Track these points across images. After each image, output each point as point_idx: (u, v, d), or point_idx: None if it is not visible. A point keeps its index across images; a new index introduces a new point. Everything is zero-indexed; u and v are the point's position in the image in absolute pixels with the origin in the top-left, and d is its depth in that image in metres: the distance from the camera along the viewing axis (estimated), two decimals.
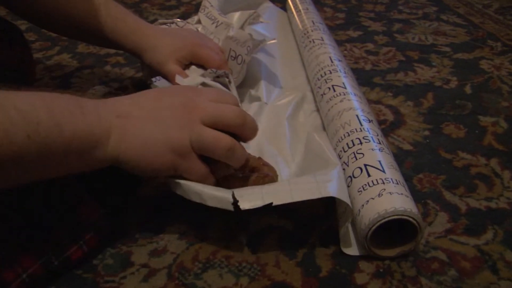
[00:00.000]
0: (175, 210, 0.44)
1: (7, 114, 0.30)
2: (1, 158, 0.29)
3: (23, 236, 0.35)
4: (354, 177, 0.40)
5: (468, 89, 0.66)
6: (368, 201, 0.37)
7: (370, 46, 0.81)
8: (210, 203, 0.37)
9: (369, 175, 0.39)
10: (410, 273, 0.37)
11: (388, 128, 0.57)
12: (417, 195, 0.45)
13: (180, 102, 0.39)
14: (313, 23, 0.74)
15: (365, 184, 0.39)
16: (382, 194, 0.37)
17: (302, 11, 0.80)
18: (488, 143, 0.54)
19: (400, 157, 0.51)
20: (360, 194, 0.39)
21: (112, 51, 0.79)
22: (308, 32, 0.71)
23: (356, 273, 0.37)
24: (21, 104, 0.31)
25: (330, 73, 0.57)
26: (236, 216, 0.39)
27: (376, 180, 0.39)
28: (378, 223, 0.36)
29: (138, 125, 0.37)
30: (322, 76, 0.57)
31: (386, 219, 0.36)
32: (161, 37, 0.57)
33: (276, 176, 0.43)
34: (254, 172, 0.42)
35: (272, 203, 0.36)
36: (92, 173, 0.40)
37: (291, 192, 0.37)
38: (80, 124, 0.34)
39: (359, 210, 0.38)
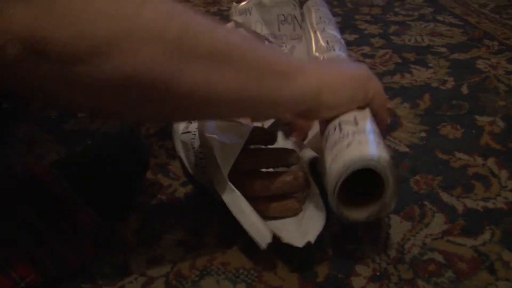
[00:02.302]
0: (172, 218, 0.45)
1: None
2: (229, 60, 0.32)
3: (19, 245, 0.35)
4: (328, 136, 0.38)
5: (464, 89, 0.66)
6: (336, 154, 0.35)
7: (367, 49, 0.82)
8: (245, 225, 0.37)
9: (341, 131, 0.37)
10: (407, 276, 0.37)
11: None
12: (414, 197, 0.45)
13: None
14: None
15: (337, 140, 0.37)
16: (350, 145, 0.35)
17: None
18: (485, 142, 0.54)
19: (396, 159, 0.51)
20: (331, 151, 0.37)
21: None
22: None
23: (353, 277, 0.37)
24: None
25: None
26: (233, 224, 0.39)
27: (348, 133, 0.36)
28: (345, 175, 0.34)
29: (327, 65, 0.44)
30: None
31: (351, 169, 0.33)
32: None
33: (304, 173, 0.42)
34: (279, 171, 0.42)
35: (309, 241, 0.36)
36: (88, 182, 0.40)
37: None
38: (283, 59, 0.38)
39: (328, 167, 0.36)
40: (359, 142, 0.35)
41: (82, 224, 0.37)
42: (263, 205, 0.40)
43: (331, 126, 0.39)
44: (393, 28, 0.91)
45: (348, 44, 0.83)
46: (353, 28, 0.92)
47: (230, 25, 0.64)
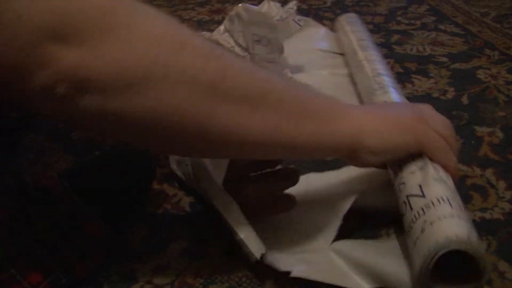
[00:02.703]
0: (177, 227, 0.46)
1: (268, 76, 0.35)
2: (268, 102, 0.33)
3: (31, 254, 0.37)
4: (402, 214, 0.37)
5: (465, 99, 0.67)
6: (415, 242, 0.33)
7: None
8: (241, 235, 0.38)
9: (411, 209, 0.35)
10: None
11: None
12: None
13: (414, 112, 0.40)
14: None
15: (410, 222, 0.35)
16: (424, 230, 0.33)
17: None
18: (484, 153, 0.55)
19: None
20: (408, 235, 0.35)
21: None
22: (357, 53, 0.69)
23: None
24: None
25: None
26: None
27: (418, 212, 0.34)
28: (431, 263, 0.31)
29: (370, 109, 0.43)
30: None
31: (436, 256, 0.31)
32: None
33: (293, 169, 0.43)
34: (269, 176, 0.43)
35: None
36: (97, 193, 0.41)
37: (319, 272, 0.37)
38: (333, 101, 0.38)
39: (410, 251, 0.34)
40: (433, 222, 0.32)
41: (91, 235, 0.39)
42: (258, 208, 0.41)
43: (400, 200, 0.37)
44: (395, 37, 0.92)
45: None
46: None
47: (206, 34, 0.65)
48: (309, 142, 0.35)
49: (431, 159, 0.38)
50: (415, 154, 0.38)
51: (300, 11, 1.09)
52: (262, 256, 0.37)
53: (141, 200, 0.47)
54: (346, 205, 0.41)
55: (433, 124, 0.39)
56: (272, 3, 0.75)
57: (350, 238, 0.42)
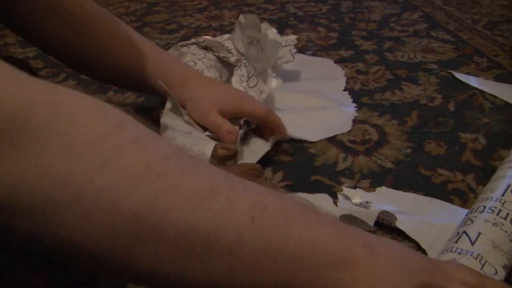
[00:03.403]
0: None
1: (234, 187, 0.27)
2: (219, 245, 0.25)
3: (34, 258, 0.39)
4: (449, 240, 0.40)
5: (451, 106, 0.70)
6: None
7: (361, 65, 0.85)
8: None
9: (456, 241, 0.38)
10: None
11: (372, 148, 0.60)
12: None
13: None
14: None
15: (447, 248, 0.38)
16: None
17: None
18: (466, 159, 0.57)
19: (381, 175, 0.55)
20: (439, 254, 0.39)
21: None
22: None
23: None
24: (250, 183, 0.28)
25: None
26: None
27: (459, 248, 0.37)
28: None
29: (387, 266, 0.29)
30: None
31: None
32: (206, 88, 0.60)
33: (270, 183, 0.45)
34: None
35: None
36: None
37: None
38: (317, 234, 0.28)
39: None
40: None
41: None
42: None
43: None
44: (387, 44, 0.94)
45: (343, 60, 0.87)
46: (349, 44, 0.95)
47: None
48: None
49: None
50: None
51: (295, 18, 1.12)
52: None
53: None
54: None
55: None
56: (271, 27, 0.78)
57: None
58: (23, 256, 0.38)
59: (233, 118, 0.59)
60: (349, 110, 0.70)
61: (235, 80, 0.68)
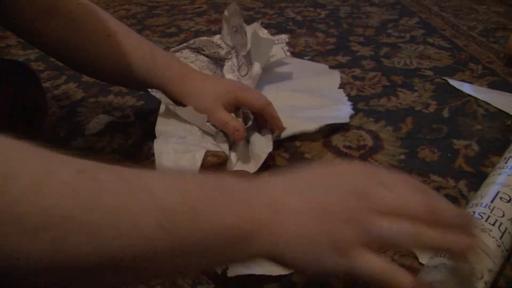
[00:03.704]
0: None
1: (138, 198, 0.25)
2: (125, 255, 0.24)
3: None
4: None
5: (445, 113, 0.71)
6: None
7: (357, 71, 0.86)
8: None
9: None
10: None
11: (366, 153, 0.61)
12: None
13: (348, 190, 0.31)
14: None
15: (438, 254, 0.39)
16: (437, 266, 0.37)
17: None
18: (459, 165, 0.59)
19: None
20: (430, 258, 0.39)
21: None
22: None
23: None
24: (154, 185, 0.27)
25: None
26: None
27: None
28: None
29: (297, 221, 0.30)
30: None
31: None
32: (205, 82, 0.61)
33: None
34: None
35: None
36: None
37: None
38: (224, 214, 0.28)
39: None
40: None
41: None
42: None
43: None
44: (384, 50, 0.95)
45: (341, 66, 0.89)
46: (346, 50, 0.96)
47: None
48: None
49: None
50: None
51: (294, 23, 1.13)
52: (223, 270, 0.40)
53: None
54: None
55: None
56: (261, 28, 0.80)
57: None
58: None
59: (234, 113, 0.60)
60: (346, 108, 0.71)
61: (226, 70, 0.70)
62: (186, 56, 0.74)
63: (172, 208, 0.26)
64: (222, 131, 0.58)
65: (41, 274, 0.24)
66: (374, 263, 0.29)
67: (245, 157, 0.58)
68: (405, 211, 0.30)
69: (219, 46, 0.74)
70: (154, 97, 0.61)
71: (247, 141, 0.60)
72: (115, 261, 0.25)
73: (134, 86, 0.71)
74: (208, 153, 0.45)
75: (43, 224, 0.23)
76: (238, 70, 0.70)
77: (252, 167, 0.55)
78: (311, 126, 0.64)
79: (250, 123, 0.59)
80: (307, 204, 0.30)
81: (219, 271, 0.40)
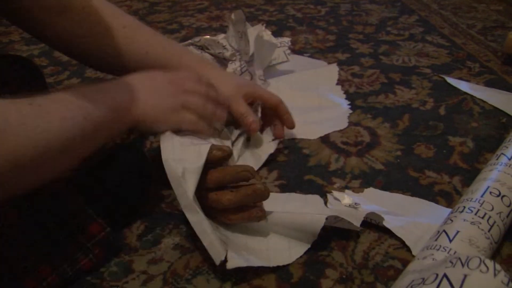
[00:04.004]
0: (170, 225, 0.51)
1: (65, 106, 0.41)
2: (66, 141, 0.39)
3: (42, 251, 0.42)
4: (430, 238, 0.43)
5: (442, 110, 0.72)
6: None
7: (356, 68, 0.87)
8: (205, 242, 0.43)
9: (436, 239, 0.41)
10: (368, 279, 0.43)
11: (364, 149, 0.63)
12: None
13: (168, 83, 0.52)
14: None
15: (428, 246, 0.41)
16: (425, 258, 0.39)
17: None
18: (454, 162, 0.60)
19: (371, 176, 0.57)
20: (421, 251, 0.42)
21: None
22: None
23: (322, 279, 0.43)
24: (70, 97, 0.42)
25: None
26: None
27: (438, 245, 0.40)
28: None
29: (147, 95, 0.50)
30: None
31: None
32: (224, 72, 0.66)
33: (262, 185, 0.48)
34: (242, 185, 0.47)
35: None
36: (99, 196, 0.46)
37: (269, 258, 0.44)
38: (108, 106, 0.45)
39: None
40: None
41: (94, 234, 0.44)
42: (232, 215, 0.46)
43: None
44: (383, 48, 0.96)
45: (340, 63, 0.90)
46: (346, 47, 0.97)
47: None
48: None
49: None
50: None
51: (295, 20, 1.15)
52: (224, 262, 0.42)
53: (139, 200, 0.52)
54: (316, 228, 0.45)
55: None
56: (266, 30, 0.81)
57: None
58: (30, 249, 0.41)
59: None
60: (344, 107, 0.73)
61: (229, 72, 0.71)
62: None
63: (86, 106, 0.42)
64: (230, 125, 0.60)
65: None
66: (189, 116, 0.51)
67: (246, 155, 0.60)
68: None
69: (224, 47, 0.75)
70: None
71: (247, 140, 0.62)
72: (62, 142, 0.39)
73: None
74: (213, 147, 0.47)
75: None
76: (240, 75, 0.72)
77: (252, 164, 0.57)
78: (312, 135, 0.66)
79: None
80: (153, 93, 0.51)
81: (217, 262, 0.42)
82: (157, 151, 0.47)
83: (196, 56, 0.66)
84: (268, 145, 0.61)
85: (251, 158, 0.60)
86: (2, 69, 0.62)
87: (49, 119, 0.38)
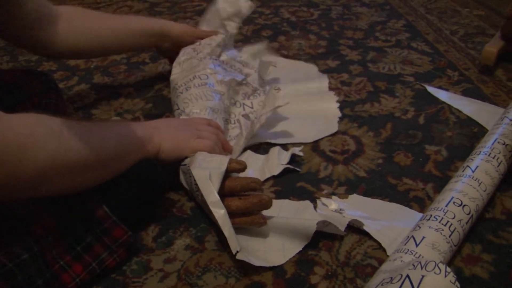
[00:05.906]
0: (182, 227, 0.59)
1: (104, 130, 0.53)
2: (102, 156, 0.49)
3: (74, 251, 0.50)
4: (401, 242, 0.50)
5: (421, 119, 0.80)
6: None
7: (345, 76, 0.94)
8: (226, 234, 0.50)
9: (405, 244, 0.48)
10: (349, 276, 0.51)
11: (349, 157, 0.71)
12: None
13: (183, 124, 0.65)
14: None
15: (398, 249, 0.48)
16: (395, 259, 0.47)
17: None
18: (428, 170, 0.68)
19: (355, 183, 0.65)
20: (392, 253, 0.49)
21: (124, 82, 0.94)
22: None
23: (311, 275, 0.51)
24: (107, 124, 0.56)
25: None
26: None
27: (406, 248, 0.47)
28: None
29: (166, 131, 0.61)
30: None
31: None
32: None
33: (267, 196, 0.55)
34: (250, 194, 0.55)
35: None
36: (119, 203, 0.54)
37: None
38: (134, 134, 0.57)
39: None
40: None
41: (118, 237, 0.52)
42: (238, 219, 0.54)
43: None
44: (371, 55, 1.03)
45: (330, 70, 0.96)
46: (336, 54, 1.04)
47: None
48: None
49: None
50: None
51: (289, 24, 1.21)
52: (237, 252, 0.50)
53: (152, 206, 0.60)
54: (308, 233, 0.54)
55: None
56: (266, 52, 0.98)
57: None
58: (66, 250, 0.49)
59: None
60: (334, 109, 0.82)
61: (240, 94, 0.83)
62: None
63: (119, 133, 0.55)
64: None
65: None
66: (204, 142, 0.62)
67: (256, 167, 0.69)
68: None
69: (243, 65, 0.88)
70: (161, 100, 0.69)
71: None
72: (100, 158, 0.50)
73: (141, 42, 0.86)
74: (232, 161, 0.55)
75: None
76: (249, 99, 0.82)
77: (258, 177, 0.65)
78: (307, 140, 0.75)
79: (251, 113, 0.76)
80: (167, 126, 0.62)
81: (234, 251, 0.50)
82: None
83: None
84: (277, 167, 0.68)
85: (257, 173, 0.68)
86: (26, 83, 0.69)
87: (91, 137, 0.49)
